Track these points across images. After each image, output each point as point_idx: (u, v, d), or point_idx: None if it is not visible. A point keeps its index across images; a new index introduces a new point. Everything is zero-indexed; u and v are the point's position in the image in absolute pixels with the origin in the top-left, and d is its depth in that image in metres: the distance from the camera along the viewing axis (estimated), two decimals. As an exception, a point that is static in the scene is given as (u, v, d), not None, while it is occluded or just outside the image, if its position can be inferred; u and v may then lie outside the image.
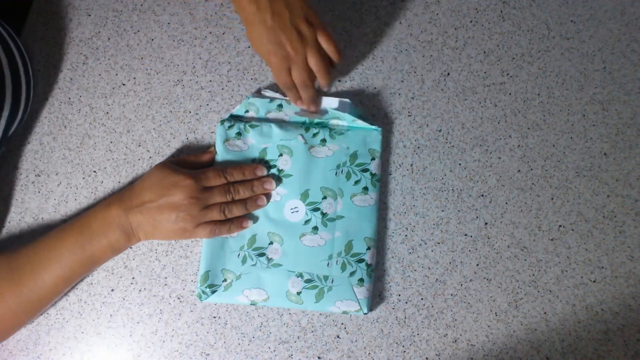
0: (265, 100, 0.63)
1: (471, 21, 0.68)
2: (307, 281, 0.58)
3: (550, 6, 0.69)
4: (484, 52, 0.67)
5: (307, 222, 0.59)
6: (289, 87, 0.59)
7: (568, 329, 0.60)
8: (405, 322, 0.60)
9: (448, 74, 0.67)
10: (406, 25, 0.68)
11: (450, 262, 0.62)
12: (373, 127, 0.62)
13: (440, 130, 0.65)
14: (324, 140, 0.61)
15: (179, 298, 0.60)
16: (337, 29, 0.67)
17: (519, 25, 0.68)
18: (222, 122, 0.62)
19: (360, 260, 0.58)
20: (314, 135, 0.62)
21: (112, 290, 0.60)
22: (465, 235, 0.62)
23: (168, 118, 0.65)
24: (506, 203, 0.63)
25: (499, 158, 0.65)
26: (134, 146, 0.64)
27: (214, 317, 0.60)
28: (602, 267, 0.62)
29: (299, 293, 0.58)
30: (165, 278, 0.60)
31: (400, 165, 0.64)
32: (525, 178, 0.64)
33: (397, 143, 0.65)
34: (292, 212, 0.60)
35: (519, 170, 0.64)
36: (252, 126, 0.62)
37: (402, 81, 0.66)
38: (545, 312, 0.61)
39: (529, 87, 0.67)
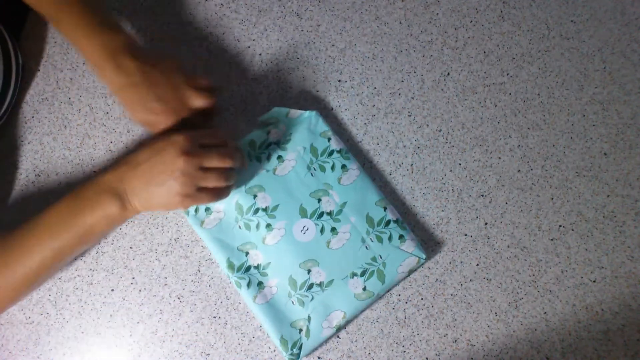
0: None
1: (471, 21, 0.68)
2: (362, 274, 0.58)
3: (550, 6, 0.69)
4: (484, 52, 0.67)
5: (322, 230, 0.59)
6: None
7: (568, 329, 0.60)
8: (405, 322, 0.60)
9: (448, 74, 0.67)
10: (406, 25, 0.68)
11: (450, 262, 0.62)
12: (307, 112, 0.62)
13: (440, 130, 0.65)
14: (280, 157, 0.61)
15: (178, 298, 0.60)
16: (337, 29, 0.67)
17: (519, 25, 0.68)
18: (187, 213, 0.59)
19: (387, 223, 0.59)
20: (268, 158, 0.61)
21: (112, 290, 0.60)
22: (465, 235, 0.62)
23: (168, 118, 0.65)
24: (506, 203, 0.63)
25: (499, 158, 0.65)
26: (134, 146, 0.64)
27: (214, 317, 0.60)
28: (602, 267, 0.62)
29: (364, 289, 0.58)
30: (165, 278, 0.60)
31: (400, 165, 0.64)
32: (525, 178, 0.64)
33: (397, 143, 0.65)
34: (304, 233, 0.59)
35: (519, 170, 0.64)
36: None
37: (402, 81, 0.66)
38: (545, 312, 0.61)
39: (529, 87, 0.67)
